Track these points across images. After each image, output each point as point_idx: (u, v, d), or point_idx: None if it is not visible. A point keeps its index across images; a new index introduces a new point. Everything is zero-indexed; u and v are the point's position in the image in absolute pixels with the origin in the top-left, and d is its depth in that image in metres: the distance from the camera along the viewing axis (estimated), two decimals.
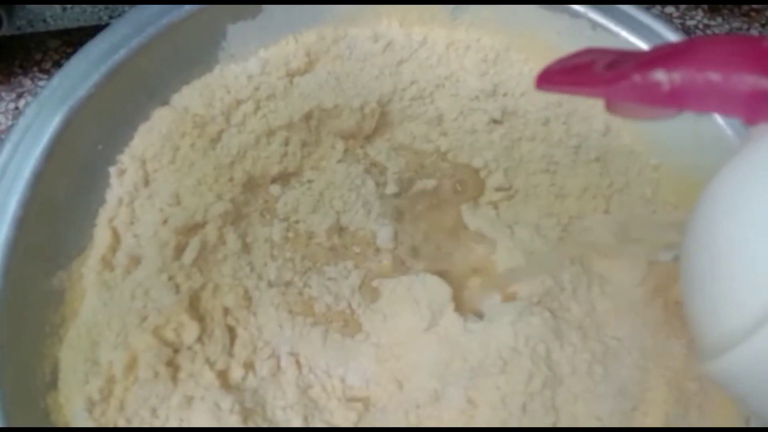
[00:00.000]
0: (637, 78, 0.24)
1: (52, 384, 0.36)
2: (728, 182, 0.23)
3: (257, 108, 0.42)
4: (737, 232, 0.21)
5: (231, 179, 0.41)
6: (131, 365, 0.36)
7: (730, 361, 0.20)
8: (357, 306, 0.40)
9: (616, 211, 0.42)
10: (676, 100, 0.24)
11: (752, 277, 0.20)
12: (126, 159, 0.41)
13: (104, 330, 0.37)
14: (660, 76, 0.24)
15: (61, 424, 0.36)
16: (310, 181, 0.43)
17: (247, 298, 0.40)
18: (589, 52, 0.30)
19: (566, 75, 0.28)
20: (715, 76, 0.23)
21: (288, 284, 0.41)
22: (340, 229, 0.42)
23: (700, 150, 0.42)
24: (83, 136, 0.39)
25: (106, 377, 0.36)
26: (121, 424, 0.36)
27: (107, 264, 0.39)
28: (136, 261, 0.39)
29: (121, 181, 0.41)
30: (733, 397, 0.22)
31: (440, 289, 0.40)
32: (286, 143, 0.42)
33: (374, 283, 0.41)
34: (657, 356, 0.39)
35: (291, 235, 0.42)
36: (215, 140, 0.42)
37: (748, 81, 0.23)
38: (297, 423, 0.38)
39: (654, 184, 0.43)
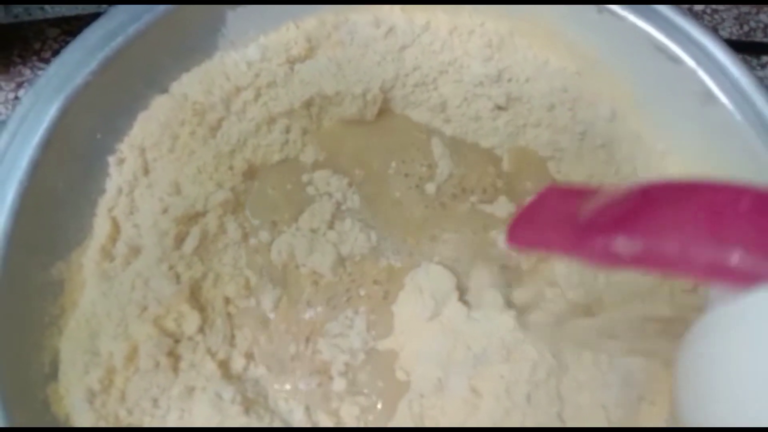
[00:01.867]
0: (599, 244, 0.25)
1: (52, 375, 0.36)
2: (698, 348, 0.23)
3: (257, 95, 0.41)
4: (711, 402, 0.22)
5: (231, 168, 0.41)
6: (131, 356, 0.36)
7: None
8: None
9: None
10: (636, 265, 0.25)
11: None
12: (125, 148, 0.40)
13: (104, 320, 0.37)
14: (621, 244, 0.25)
15: (61, 416, 0.35)
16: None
17: (249, 287, 0.39)
18: (551, 193, 0.32)
19: (535, 233, 0.30)
20: (672, 248, 0.24)
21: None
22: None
23: (708, 136, 0.41)
24: (81, 125, 0.39)
25: (106, 368, 0.36)
26: (122, 414, 0.36)
27: (107, 254, 0.39)
28: (136, 251, 0.39)
29: (120, 170, 0.40)
30: None
31: (444, 279, 0.39)
32: (287, 131, 0.42)
33: None
34: (662, 345, 0.39)
35: None
36: (215, 128, 0.41)
37: (704, 254, 0.24)
38: (299, 414, 0.37)
39: (661, 170, 0.43)
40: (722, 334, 0.22)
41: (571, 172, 0.42)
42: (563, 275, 0.39)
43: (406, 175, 0.43)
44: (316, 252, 0.40)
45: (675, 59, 0.40)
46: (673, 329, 0.36)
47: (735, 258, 0.23)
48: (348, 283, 0.40)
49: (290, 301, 0.40)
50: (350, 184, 0.42)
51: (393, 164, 0.43)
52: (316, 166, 0.42)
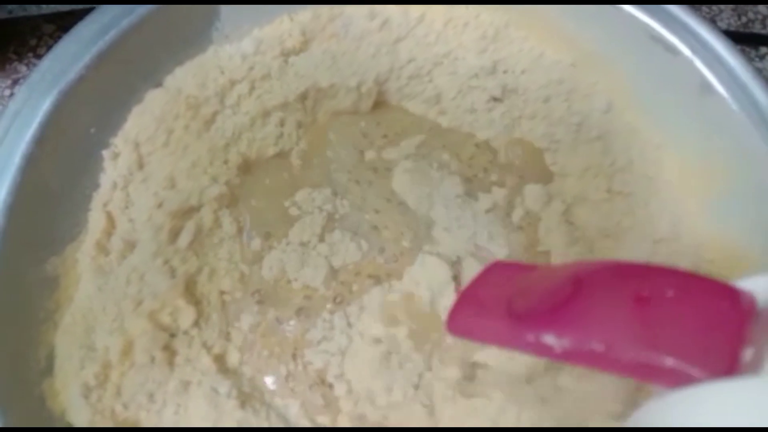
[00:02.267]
0: (531, 338, 0.26)
1: (48, 370, 0.36)
2: None
3: (252, 89, 0.41)
4: None
5: (226, 162, 0.40)
6: (127, 350, 0.36)
7: None
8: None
9: (618, 190, 0.41)
10: (567, 359, 0.26)
11: None
12: (119, 142, 0.40)
13: (99, 315, 0.37)
14: (551, 340, 0.26)
15: (57, 411, 0.35)
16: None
17: (244, 281, 0.39)
18: (494, 269, 0.33)
19: (471, 322, 0.30)
20: (599, 347, 0.24)
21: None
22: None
23: (705, 127, 0.41)
24: (75, 120, 0.39)
25: (101, 363, 0.36)
26: (118, 409, 0.36)
27: (102, 249, 0.39)
28: (131, 245, 0.39)
29: (114, 165, 0.40)
30: None
31: (440, 270, 0.39)
32: (282, 124, 0.42)
33: None
34: None
35: None
36: (209, 122, 0.41)
37: (630, 354, 0.24)
38: (295, 408, 0.37)
39: (657, 163, 0.42)
40: (659, 423, 0.22)
41: (567, 164, 0.42)
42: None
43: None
44: (308, 266, 0.40)
45: (672, 50, 0.40)
46: None
47: (660, 359, 0.23)
48: (340, 291, 0.40)
49: (266, 322, 0.39)
50: (335, 194, 0.42)
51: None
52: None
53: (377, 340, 0.37)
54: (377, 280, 0.40)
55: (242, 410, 0.36)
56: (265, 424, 0.36)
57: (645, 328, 0.24)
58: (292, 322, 0.39)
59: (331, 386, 0.38)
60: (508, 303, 0.28)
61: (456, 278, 0.39)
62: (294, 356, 0.38)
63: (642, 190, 0.41)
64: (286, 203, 0.41)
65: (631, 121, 0.43)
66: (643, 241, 0.40)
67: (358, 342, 0.38)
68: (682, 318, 0.24)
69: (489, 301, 0.31)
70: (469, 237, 0.40)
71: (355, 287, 0.40)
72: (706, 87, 0.40)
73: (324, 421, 0.37)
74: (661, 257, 0.40)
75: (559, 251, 0.39)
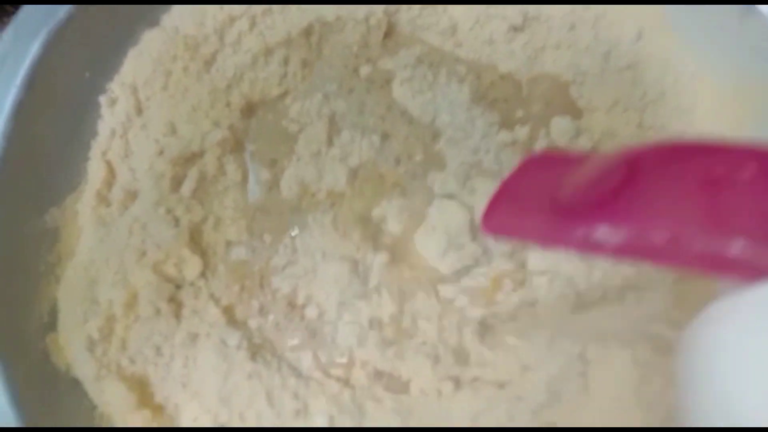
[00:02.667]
0: (580, 233, 0.23)
1: (51, 325, 0.35)
2: (702, 339, 0.20)
3: (252, 24, 0.38)
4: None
5: (228, 104, 0.38)
6: (131, 303, 0.35)
7: None
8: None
9: (650, 125, 0.38)
10: (622, 254, 0.23)
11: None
12: (116, 87, 0.38)
13: (102, 268, 0.35)
14: (603, 234, 0.22)
15: (61, 366, 0.34)
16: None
17: (251, 230, 0.37)
18: (532, 164, 0.28)
19: (511, 220, 0.27)
20: (661, 238, 0.21)
21: None
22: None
23: (744, 54, 0.38)
24: (67, 63, 0.37)
25: (105, 316, 0.34)
26: (125, 363, 0.34)
27: (103, 199, 0.37)
28: (132, 195, 0.37)
29: (112, 111, 0.38)
30: None
31: (458, 215, 0.37)
32: (286, 62, 0.39)
33: None
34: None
35: None
36: (209, 62, 0.38)
37: (698, 243, 0.21)
38: (307, 361, 0.36)
39: (691, 94, 0.39)
40: (728, 324, 0.19)
41: (594, 97, 0.39)
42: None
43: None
44: (327, 173, 0.37)
45: None
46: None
47: (735, 248, 0.20)
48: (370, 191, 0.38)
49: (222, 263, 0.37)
50: (327, 97, 0.39)
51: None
52: None
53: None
54: (402, 190, 0.38)
55: (253, 362, 0.35)
56: (276, 377, 0.35)
57: (715, 214, 0.21)
58: (246, 250, 0.37)
59: (302, 308, 0.37)
60: (552, 197, 0.25)
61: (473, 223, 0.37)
62: (261, 286, 0.37)
63: (675, 124, 0.38)
64: (284, 122, 0.39)
65: (663, 49, 0.40)
66: None
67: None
68: (759, 202, 0.21)
69: (530, 195, 0.27)
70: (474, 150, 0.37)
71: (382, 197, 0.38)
72: (748, 10, 0.37)
73: (338, 373, 0.36)
74: None
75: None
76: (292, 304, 0.37)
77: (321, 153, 0.38)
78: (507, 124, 0.38)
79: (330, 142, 0.38)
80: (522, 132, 0.38)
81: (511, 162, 0.37)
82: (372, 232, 0.37)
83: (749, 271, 0.20)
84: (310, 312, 0.36)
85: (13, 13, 0.50)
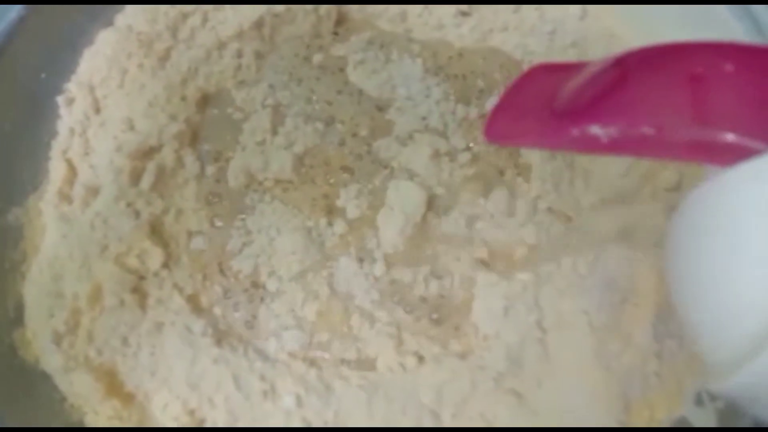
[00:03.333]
0: (575, 133, 0.25)
1: (17, 320, 0.35)
2: (691, 218, 0.22)
3: (205, 20, 0.39)
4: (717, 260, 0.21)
5: (184, 98, 0.39)
6: (96, 295, 0.35)
7: (738, 383, 0.20)
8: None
9: None
10: (615, 149, 0.24)
11: (746, 300, 0.20)
12: (73, 87, 0.39)
13: (66, 262, 0.36)
14: (596, 131, 0.24)
15: (29, 360, 0.35)
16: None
17: (212, 221, 0.38)
18: (535, 72, 0.30)
19: (511, 124, 0.29)
20: (649, 131, 0.23)
21: None
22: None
23: (688, 29, 0.39)
24: (23, 64, 0.37)
25: (71, 309, 0.35)
26: (92, 354, 0.35)
27: (65, 197, 0.38)
28: (94, 191, 0.38)
29: (70, 111, 0.39)
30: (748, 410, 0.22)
31: (413, 194, 0.37)
32: (239, 55, 0.40)
33: None
34: (647, 245, 0.37)
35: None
36: (164, 59, 0.39)
37: (685, 134, 0.23)
38: (273, 344, 0.36)
39: None
40: (716, 203, 0.21)
41: None
42: (538, 180, 0.37)
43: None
44: (273, 161, 0.38)
45: None
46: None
47: (719, 135, 0.22)
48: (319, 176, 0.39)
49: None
50: (272, 87, 0.40)
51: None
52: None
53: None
54: (351, 173, 0.39)
55: (219, 348, 0.35)
56: (243, 361, 0.35)
57: (700, 106, 0.23)
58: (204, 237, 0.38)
59: (264, 287, 0.37)
60: (550, 102, 0.26)
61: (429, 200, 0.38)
62: (221, 272, 0.38)
63: None
64: (229, 110, 0.40)
65: (609, 26, 0.41)
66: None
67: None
68: (740, 92, 0.22)
69: (529, 103, 0.28)
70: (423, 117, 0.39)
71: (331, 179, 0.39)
72: None
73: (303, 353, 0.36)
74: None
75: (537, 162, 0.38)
76: (255, 284, 0.37)
77: (266, 142, 0.39)
78: (463, 98, 0.39)
79: (274, 131, 0.39)
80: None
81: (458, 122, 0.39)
82: (324, 205, 0.38)
83: (733, 155, 0.21)
84: (272, 285, 0.37)
85: None
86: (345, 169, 0.39)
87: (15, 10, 0.36)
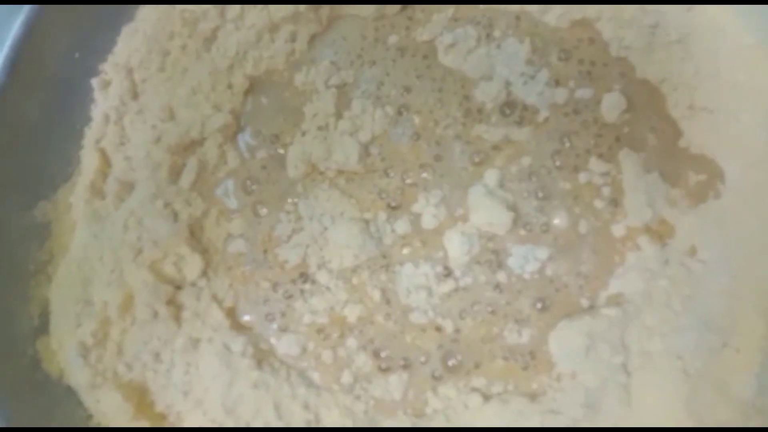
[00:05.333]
0: None
1: (42, 328, 0.32)
2: None
3: None
4: None
5: (230, 86, 0.35)
6: (127, 305, 0.32)
7: None
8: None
9: (702, 105, 0.34)
10: None
11: None
12: (109, 68, 0.35)
13: (96, 266, 0.33)
14: None
15: (54, 373, 0.32)
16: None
17: (254, 208, 0.34)
18: None
19: None
20: None
21: None
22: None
23: None
24: (53, 42, 0.34)
25: (100, 319, 0.32)
26: (121, 370, 0.32)
27: (97, 191, 0.34)
28: (128, 187, 0.34)
29: (105, 95, 0.35)
30: None
31: (500, 215, 0.33)
32: (293, 39, 0.35)
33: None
34: (751, 280, 0.32)
35: None
36: (209, 40, 0.35)
37: None
38: (317, 375, 0.33)
39: (749, 69, 0.34)
40: None
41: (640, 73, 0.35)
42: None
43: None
44: (336, 150, 0.34)
45: None
46: None
47: None
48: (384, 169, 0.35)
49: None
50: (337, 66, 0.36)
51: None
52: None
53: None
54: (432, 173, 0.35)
55: (259, 370, 0.32)
56: (286, 386, 0.32)
57: None
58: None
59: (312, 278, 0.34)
60: None
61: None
62: (265, 252, 0.34)
63: (731, 104, 0.34)
64: (286, 94, 0.36)
65: (717, 18, 0.35)
66: (733, 165, 0.33)
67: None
68: None
69: None
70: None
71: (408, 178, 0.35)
72: None
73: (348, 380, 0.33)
74: (750, 183, 0.33)
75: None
76: (304, 275, 0.34)
77: (329, 127, 0.35)
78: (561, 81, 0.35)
79: (339, 115, 0.35)
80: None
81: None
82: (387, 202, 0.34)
83: None
84: (323, 278, 0.34)
85: None
86: (424, 167, 0.34)
87: None
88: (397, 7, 0.36)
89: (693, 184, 0.34)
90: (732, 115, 0.34)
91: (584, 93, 0.35)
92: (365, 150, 0.35)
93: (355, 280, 0.33)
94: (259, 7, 0.35)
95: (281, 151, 0.35)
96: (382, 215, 0.34)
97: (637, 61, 0.35)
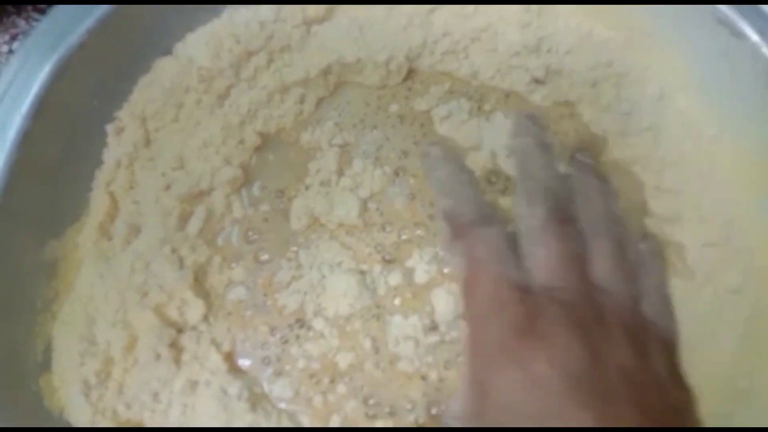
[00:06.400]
0: None
1: (46, 365, 0.34)
2: None
3: (270, 61, 0.37)
4: None
5: (241, 141, 0.37)
6: (131, 346, 0.34)
7: None
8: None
9: (668, 187, 0.38)
10: None
11: None
12: (124, 116, 0.37)
13: (101, 306, 0.34)
14: None
15: (54, 409, 0.33)
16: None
17: (255, 255, 0.36)
18: None
19: None
20: None
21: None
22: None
23: (766, 122, 0.37)
24: (76, 90, 0.35)
25: (103, 359, 0.33)
26: (121, 409, 0.33)
27: (104, 233, 0.36)
28: (136, 230, 0.36)
29: (119, 141, 0.37)
30: None
31: None
32: (302, 101, 0.38)
33: None
34: (703, 349, 0.36)
35: None
36: (223, 96, 0.37)
37: None
38: (306, 417, 0.35)
39: (711, 157, 0.39)
40: None
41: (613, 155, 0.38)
42: None
43: None
44: (337, 205, 0.37)
45: (739, 35, 0.36)
46: None
47: None
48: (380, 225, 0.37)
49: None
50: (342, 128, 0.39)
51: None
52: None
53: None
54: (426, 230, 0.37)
55: (253, 413, 0.34)
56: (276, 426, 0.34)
57: None
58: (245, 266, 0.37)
59: (309, 326, 0.36)
60: None
61: None
62: (265, 295, 0.36)
63: (694, 188, 0.38)
64: (290, 153, 0.38)
65: (685, 110, 0.39)
66: (691, 244, 0.37)
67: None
68: None
69: None
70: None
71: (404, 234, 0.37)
72: None
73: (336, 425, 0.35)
74: (709, 263, 0.37)
75: None
76: (300, 321, 0.36)
77: (331, 183, 0.37)
78: None
79: (341, 172, 0.37)
80: None
81: None
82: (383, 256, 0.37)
83: None
84: (318, 325, 0.36)
85: (14, 13, 0.49)
86: (418, 225, 0.37)
87: (75, 35, 0.34)
88: (399, 78, 0.39)
89: None
90: (694, 198, 0.38)
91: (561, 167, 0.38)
92: (364, 205, 0.37)
93: (348, 328, 0.36)
94: (272, 69, 0.37)
95: (282, 206, 0.37)
96: (377, 267, 0.36)
97: (614, 142, 0.39)
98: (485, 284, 0.31)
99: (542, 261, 0.31)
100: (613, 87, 0.39)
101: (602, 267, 0.32)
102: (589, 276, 0.32)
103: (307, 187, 0.37)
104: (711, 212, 0.37)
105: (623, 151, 0.38)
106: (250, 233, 0.37)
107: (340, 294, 0.35)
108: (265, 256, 0.37)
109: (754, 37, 0.36)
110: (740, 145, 0.38)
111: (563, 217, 0.33)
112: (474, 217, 0.33)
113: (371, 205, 0.37)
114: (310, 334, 0.36)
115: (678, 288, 0.37)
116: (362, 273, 0.36)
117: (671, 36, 0.38)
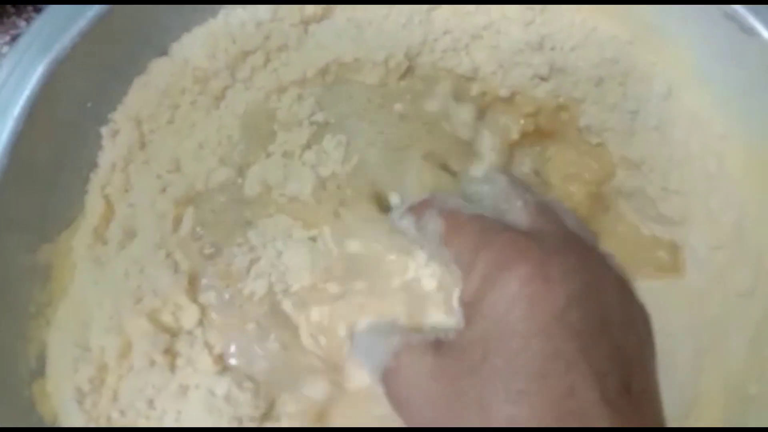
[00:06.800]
0: None
1: (39, 371, 0.33)
2: None
3: (267, 60, 0.37)
4: None
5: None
6: (125, 352, 0.33)
7: None
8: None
9: (675, 188, 0.37)
10: None
11: None
12: (119, 118, 0.36)
13: (95, 311, 0.34)
14: None
15: (47, 416, 0.32)
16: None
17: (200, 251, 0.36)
18: None
19: None
20: None
21: None
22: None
23: None
24: (69, 92, 0.35)
25: (97, 365, 0.33)
26: (115, 416, 0.33)
27: (99, 237, 0.35)
28: (131, 234, 0.35)
29: (113, 143, 0.36)
30: None
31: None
32: (299, 100, 0.37)
33: None
34: (714, 354, 0.35)
35: None
36: (219, 98, 0.37)
37: None
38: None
39: (719, 157, 0.38)
40: None
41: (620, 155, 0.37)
42: None
43: None
44: (292, 178, 0.34)
45: (748, 31, 0.35)
46: None
47: None
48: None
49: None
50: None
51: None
52: None
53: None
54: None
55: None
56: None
57: None
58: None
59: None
60: None
61: None
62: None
63: (701, 188, 0.37)
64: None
65: (692, 108, 0.38)
66: (699, 246, 0.36)
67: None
68: None
69: None
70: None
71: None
72: None
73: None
74: (718, 266, 0.36)
75: None
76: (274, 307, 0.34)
77: (294, 155, 0.35)
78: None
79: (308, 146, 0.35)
80: None
81: None
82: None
83: None
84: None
85: (14, 13, 0.49)
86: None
87: (68, 36, 0.34)
88: (398, 76, 0.38)
89: (662, 261, 0.37)
90: (702, 198, 0.37)
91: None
92: (322, 184, 0.34)
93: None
94: (269, 69, 0.37)
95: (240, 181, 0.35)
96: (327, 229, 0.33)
97: (618, 143, 0.38)
98: (469, 223, 0.30)
99: (523, 210, 0.31)
100: (619, 85, 0.38)
101: None
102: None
103: (268, 155, 0.35)
104: (719, 213, 0.37)
105: (629, 150, 0.37)
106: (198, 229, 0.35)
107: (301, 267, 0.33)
108: (209, 250, 0.34)
109: (765, 33, 0.35)
110: (749, 144, 0.37)
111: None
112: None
113: (330, 185, 0.34)
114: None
115: (687, 291, 0.36)
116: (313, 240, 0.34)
117: (678, 32, 0.37)
